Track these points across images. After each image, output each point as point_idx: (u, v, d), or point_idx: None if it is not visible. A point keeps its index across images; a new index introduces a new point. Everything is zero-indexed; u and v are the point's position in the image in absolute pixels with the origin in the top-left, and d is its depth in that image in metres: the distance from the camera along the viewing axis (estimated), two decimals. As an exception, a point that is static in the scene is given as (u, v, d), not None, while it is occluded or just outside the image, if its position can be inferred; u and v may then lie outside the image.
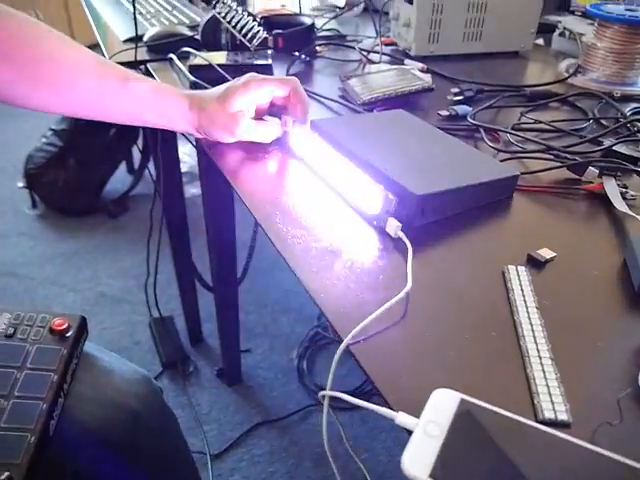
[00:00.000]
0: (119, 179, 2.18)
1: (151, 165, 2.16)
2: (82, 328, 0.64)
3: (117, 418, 0.61)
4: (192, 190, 2.07)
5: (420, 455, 0.32)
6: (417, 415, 0.35)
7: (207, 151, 0.68)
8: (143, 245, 1.87)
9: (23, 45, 0.59)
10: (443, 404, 0.35)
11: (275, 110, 0.70)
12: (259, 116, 0.69)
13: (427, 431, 0.33)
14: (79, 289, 1.72)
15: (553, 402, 0.35)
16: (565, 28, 1.10)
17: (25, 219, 2.06)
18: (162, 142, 1.11)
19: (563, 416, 0.35)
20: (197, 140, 1.02)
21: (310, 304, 1.54)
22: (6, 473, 0.47)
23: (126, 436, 0.62)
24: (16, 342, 0.60)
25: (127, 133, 2.10)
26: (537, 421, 0.35)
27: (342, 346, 0.40)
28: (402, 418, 0.34)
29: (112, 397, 0.62)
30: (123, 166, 2.23)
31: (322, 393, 0.41)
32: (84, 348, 0.64)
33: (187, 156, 2.32)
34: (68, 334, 0.61)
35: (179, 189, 1.25)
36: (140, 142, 2.14)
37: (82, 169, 1.98)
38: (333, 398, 1.36)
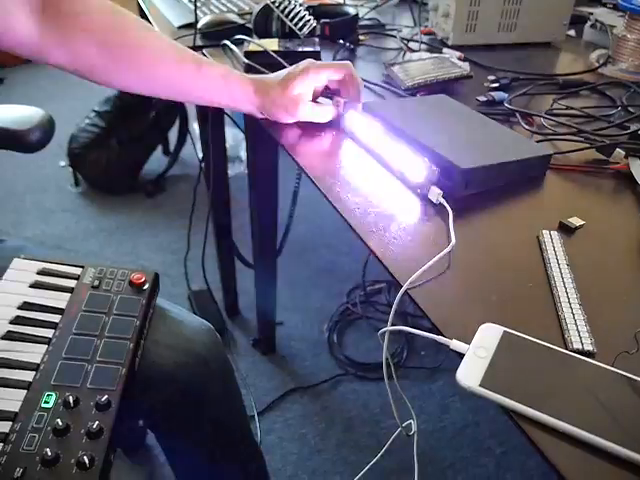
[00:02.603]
0: (155, 160, 2.27)
1: (187, 148, 2.26)
2: (156, 282, 0.72)
3: (188, 362, 0.70)
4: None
5: (471, 371, 0.40)
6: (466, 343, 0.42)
7: (268, 130, 0.76)
8: (179, 223, 1.98)
9: (113, 31, 0.67)
10: (489, 334, 0.42)
11: (328, 92, 0.77)
12: (314, 98, 0.76)
13: (476, 353, 0.41)
14: (121, 262, 1.82)
15: (581, 336, 0.42)
16: (597, 20, 1.15)
17: (68, 196, 2.17)
18: (212, 126, 1.19)
19: (589, 347, 0.42)
20: (246, 123, 1.11)
21: (339, 282, 1.63)
22: (106, 396, 0.56)
23: (195, 378, 0.70)
24: (102, 292, 0.68)
25: (164, 117, 2.19)
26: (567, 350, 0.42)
27: (402, 289, 0.47)
28: (455, 344, 0.42)
29: (183, 343, 0.70)
30: (159, 148, 2.32)
31: (383, 330, 0.48)
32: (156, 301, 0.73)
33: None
34: (145, 287, 0.70)
35: (225, 169, 1.33)
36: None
37: (123, 150, 2.08)
38: (361, 369, 1.45)
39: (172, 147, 2.30)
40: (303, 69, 0.71)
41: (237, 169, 2.26)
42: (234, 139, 2.27)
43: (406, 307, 1.57)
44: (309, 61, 0.73)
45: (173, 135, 2.28)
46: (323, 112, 0.74)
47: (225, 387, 0.77)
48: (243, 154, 2.30)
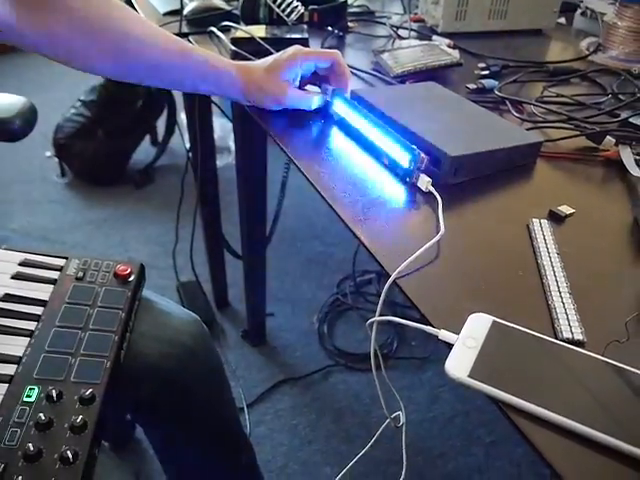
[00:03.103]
0: (143, 151, 2.25)
1: (176, 138, 2.24)
2: (141, 274, 0.71)
3: (174, 354, 0.69)
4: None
5: (460, 361, 0.39)
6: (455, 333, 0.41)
7: (255, 118, 0.74)
8: (168, 214, 1.96)
9: (96, 16, 0.65)
10: (478, 324, 0.42)
11: (316, 79, 0.76)
12: (301, 85, 0.75)
13: (465, 343, 0.40)
14: (108, 254, 1.80)
15: (571, 326, 0.42)
16: (587, 7, 1.14)
17: (54, 187, 2.14)
18: (200, 115, 1.17)
19: (579, 336, 0.41)
20: (234, 111, 1.09)
21: (329, 272, 1.61)
22: (90, 390, 0.55)
23: (182, 370, 0.69)
24: (86, 284, 0.67)
25: (152, 106, 2.16)
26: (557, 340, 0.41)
27: (390, 279, 0.47)
28: (444, 334, 0.41)
29: (170, 335, 0.69)
30: (146, 138, 2.29)
31: (371, 320, 0.48)
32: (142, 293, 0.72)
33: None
34: (130, 279, 0.69)
35: (213, 159, 1.31)
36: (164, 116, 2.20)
37: (110, 140, 2.05)
38: (351, 360, 1.44)
39: (160, 137, 2.27)
40: (290, 55, 0.70)
41: (226, 160, 2.24)
42: (222, 129, 2.25)
43: (395, 297, 1.57)
44: (296, 47, 0.71)
45: (161, 124, 2.26)
46: (310, 99, 0.72)
47: (213, 379, 0.76)
48: (232, 144, 2.27)
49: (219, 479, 0.83)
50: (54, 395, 0.53)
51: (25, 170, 2.24)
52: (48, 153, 2.25)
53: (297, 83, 0.72)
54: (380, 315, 0.47)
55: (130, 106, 2.06)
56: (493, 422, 1.30)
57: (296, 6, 0.95)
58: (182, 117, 2.09)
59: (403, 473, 0.58)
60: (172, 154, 2.29)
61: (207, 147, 1.26)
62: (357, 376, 1.40)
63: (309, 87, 0.76)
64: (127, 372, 0.63)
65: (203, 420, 0.76)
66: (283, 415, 1.31)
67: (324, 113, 0.74)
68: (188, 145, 1.32)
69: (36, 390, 0.54)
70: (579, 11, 1.18)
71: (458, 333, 0.41)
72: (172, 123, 2.21)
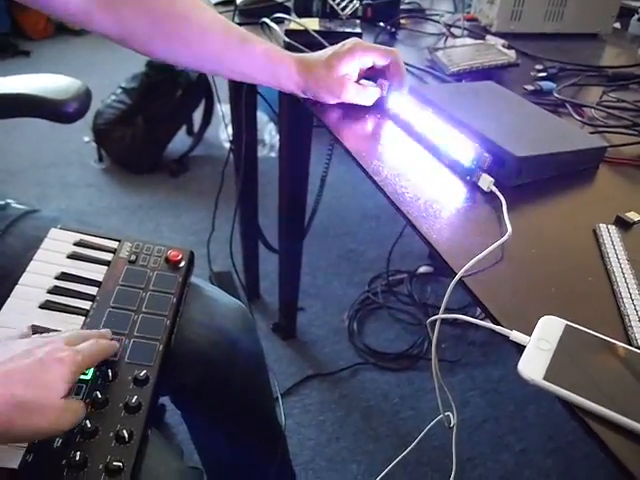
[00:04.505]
0: (179, 140, 2.27)
1: (211, 129, 2.25)
2: (191, 261, 0.72)
3: (221, 341, 0.69)
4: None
5: (534, 363, 0.38)
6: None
7: (311, 109, 0.74)
8: (202, 204, 1.98)
9: (162, 3, 0.65)
10: (551, 327, 0.41)
11: (371, 73, 0.75)
12: (357, 78, 0.74)
13: (539, 345, 0.39)
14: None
15: (646, 334, 0.41)
16: (645, 13, 1.11)
17: (92, 172, 2.17)
18: (246, 107, 1.18)
19: (655, 345, 0.40)
20: (281, 103, 1.09)
21: (360, 270, 1.60)
22: (144, 371, 0.55)
23: (226, 357, 0.70)
24: (138, 267, 0.68)
25: (191, 96, 2.17)
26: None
27: (457, 277, 0.46)
28: (515, 335, 0.40)
29: (217, 322, 0.70)
30: (182, 128, 2.31)
31: (433, 318, 0.47)
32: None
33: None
34: (181, 264, 0.69)
35: (255, 152, 1.31)
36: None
37: (149, 128, 2.07)
38: (381, 359, 1.42)
39: (196, 127, 2.29)
40: (349, 49, 0.69)
41: (260, 152, 2.25)
42: (258, 122, 2.26)
43: (427, 298, 1.56)
44: (355, 41, 0.71)
45: (197, 116, 2.27)
46: (367, 94, 0.72)
47: (255, 367, 0.77)
48: (267, 137, 2.28)
49: (255, 467, 0.83)
50: (110, 374, 0.54)
51: (63, 154, 2.27)
52: (86, 138, 2.29)
53: (355, 77, 0.72)
54: (431, 315, 0.46)
55: (170, 95, 2.08)
56: (524, 429, 1.28)
57: (351, 0, 0.95)
58: (218, 109, 2.10)
59: (452, 476, 0.58)
60: (207, 145, 2.31)
61: (251, 138, 1.26)
62: (387, 376, 1.39)
63: (364, 81, 0.76)
64: (174, 356, 0.63)
65: (243, 408, 0.76)
66: (311, 410, 1.31)
67: (380, 107, 0.74)
68: (227, 136, 1.33)
69: (92, 368, 0.55)
70: (636, 17, 1.15)
71: (527, 335, 0.41)
72: (209, 114, 2.23)
